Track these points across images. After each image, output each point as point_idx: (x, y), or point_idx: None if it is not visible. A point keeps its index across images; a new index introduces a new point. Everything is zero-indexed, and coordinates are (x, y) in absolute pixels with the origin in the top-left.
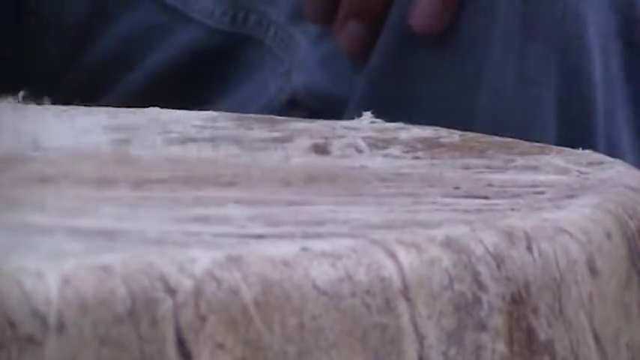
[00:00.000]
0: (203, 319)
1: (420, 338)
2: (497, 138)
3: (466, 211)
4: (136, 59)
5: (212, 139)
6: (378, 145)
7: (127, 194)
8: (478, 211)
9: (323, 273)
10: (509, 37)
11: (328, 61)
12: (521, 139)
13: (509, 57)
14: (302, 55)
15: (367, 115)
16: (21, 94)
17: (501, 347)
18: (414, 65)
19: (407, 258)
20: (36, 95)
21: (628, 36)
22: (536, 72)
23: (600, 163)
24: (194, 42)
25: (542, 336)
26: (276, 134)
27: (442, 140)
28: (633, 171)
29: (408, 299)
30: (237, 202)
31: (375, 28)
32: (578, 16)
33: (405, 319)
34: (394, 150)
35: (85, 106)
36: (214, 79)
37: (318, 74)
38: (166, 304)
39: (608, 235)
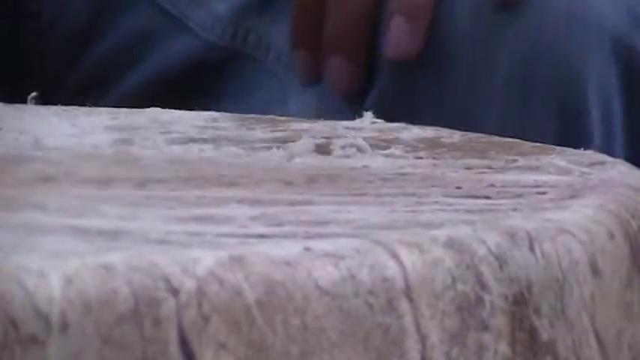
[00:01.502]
0: (206, 319)
1: (423, 338)
2: (498, 138)
3: (468, 212)
4: (135, 62)
5: (213, 140)
6: (380, 145)
7: (129, 194)
8: (480, 211)
9: (326, 273)
10: (509, 100)
11: (325, 93)
12: None
13: (509, 116)
14: (300, 84)
15: (368, 115)
16: (31, 96)
17: (504, 347)
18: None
19: (409, 258)
20: (39, 97)
21: (630, 85)
22: (534, 131)
23: (602, 163)
24: (191, 52)
25: (544, 336)
26: (277, 134)
27: (444, 140)
28: (635, 171)
29: (410, 299)
30: (239, 202)
31: (361, 60)
32: (579, 73)
33: (408, 320)
34: (396, 150)
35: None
36: (210, 92)
37: (314, 105)
38: (169, 304)
39: (611, 236)
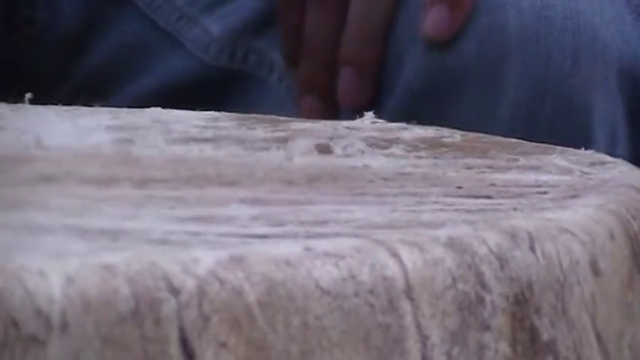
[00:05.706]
0: (206, 319)
1: (423, 338)
2: (499, 138)
3: (469, 211)
4: (129, 76)
5: (214, 139)
6: (381, 144)
7: (129, 194)
8: (481, 211)
9: (326, 273)
10: (515, 131)
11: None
12: None
13: None
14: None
15: (369, 115)
16: (27, 96)
17: (504, 347)
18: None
19: (410, 258)
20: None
21: (636, 116)
22: None
23: (603, 163)
24: (189, 71)
25: (545, 336)
26: (278, 134)
27: (444, 140)
28: (636, 171)
29: (411, 299)
30: (240, 201)
31: (372, 76)
32: (585, 105)
33: (409, 319)
34: (396, 150)
35: None
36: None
37: None
38: (170, 304)
39: (611, 236)
